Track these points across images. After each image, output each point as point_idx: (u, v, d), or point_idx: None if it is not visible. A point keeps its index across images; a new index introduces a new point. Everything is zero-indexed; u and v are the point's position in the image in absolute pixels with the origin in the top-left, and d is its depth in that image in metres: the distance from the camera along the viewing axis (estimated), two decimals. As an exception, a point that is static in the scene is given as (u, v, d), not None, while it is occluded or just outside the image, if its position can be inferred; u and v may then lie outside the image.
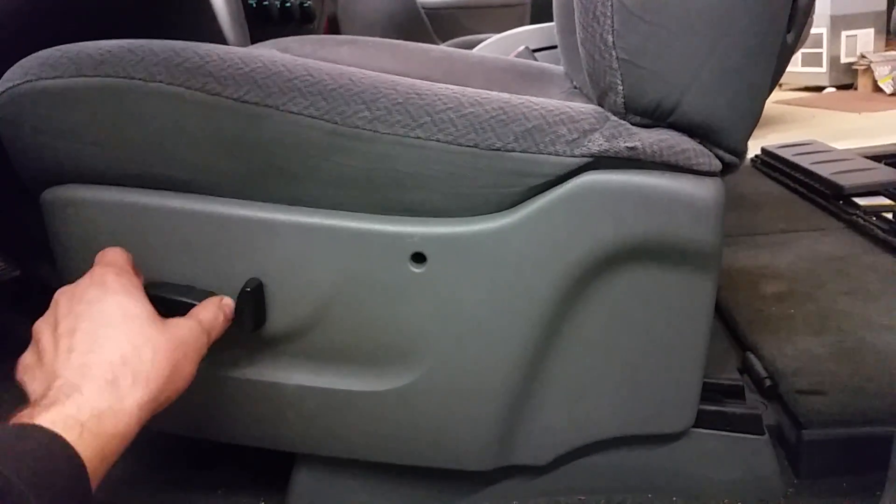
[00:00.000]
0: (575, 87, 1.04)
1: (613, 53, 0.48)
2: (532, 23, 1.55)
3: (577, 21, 0.51)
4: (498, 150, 0.49)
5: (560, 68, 1.08)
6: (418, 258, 0.52)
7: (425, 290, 0.53)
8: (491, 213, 0.51)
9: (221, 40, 1.12)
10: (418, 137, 0.49)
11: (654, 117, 0.50)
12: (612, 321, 0.55)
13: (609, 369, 0.56)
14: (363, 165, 0.50)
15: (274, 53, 0.51)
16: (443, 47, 1.07)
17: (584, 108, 0.50)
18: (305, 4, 1.41)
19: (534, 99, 0.51)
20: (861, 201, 1.31)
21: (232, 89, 0.48)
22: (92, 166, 0.52)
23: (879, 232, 1.18)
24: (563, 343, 0.55)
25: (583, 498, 0.63)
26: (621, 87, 0.49)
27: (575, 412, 0.58)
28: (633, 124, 0.50)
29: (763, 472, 0.63)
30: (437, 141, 0.49)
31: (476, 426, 0.57)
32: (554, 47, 1.31)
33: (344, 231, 0.52)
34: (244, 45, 1.20)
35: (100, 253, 0.49)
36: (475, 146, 0.49)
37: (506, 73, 1.02)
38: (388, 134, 0.49)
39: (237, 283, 0.53)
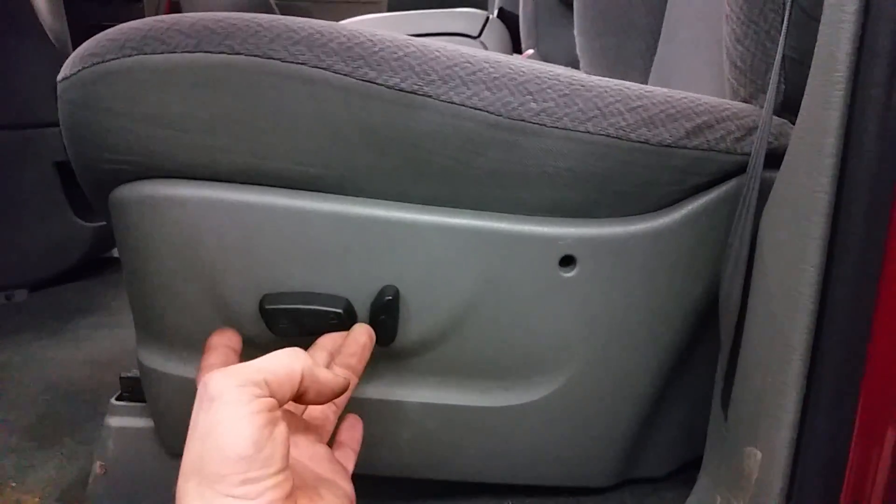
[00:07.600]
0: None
1: (782, 51, 0.47)
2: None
3: (733, 17, 0.49)
4: (668, 146, 0.46)
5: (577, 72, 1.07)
6: (567, 261, 0.48)
7: (573, 295, 0.49)
8: (644, 213, 0.49)
9: (33, 19, 1.02)
10: (587, 132, 0.45)
11: (808, 116, 0.49)
12: None
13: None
14: (521, 161, 0.46)
15: (424, 39, 0.46)
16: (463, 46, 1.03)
17: (741, 105, 0.49)
18: (132, -17, 1.35)
19: (692, 94, 0.49)
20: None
21: (387, 75, 0.43)
22: (196, 157, 0.45)
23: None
24: (701, 348, 0.53)
25: None
26: (783, 86, 0.48)
27: (703, 420, 0.56)
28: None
29: None
30: (607, 136, 0.45)
31: (607, 440, 0.54)
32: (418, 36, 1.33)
33: (489, 233, 0.47)
34: (61, 26, 1.11)
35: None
36: (645, 142, 0.46)
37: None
38: (556, 128, 0.45)
39: (369, 290, 0.47)
